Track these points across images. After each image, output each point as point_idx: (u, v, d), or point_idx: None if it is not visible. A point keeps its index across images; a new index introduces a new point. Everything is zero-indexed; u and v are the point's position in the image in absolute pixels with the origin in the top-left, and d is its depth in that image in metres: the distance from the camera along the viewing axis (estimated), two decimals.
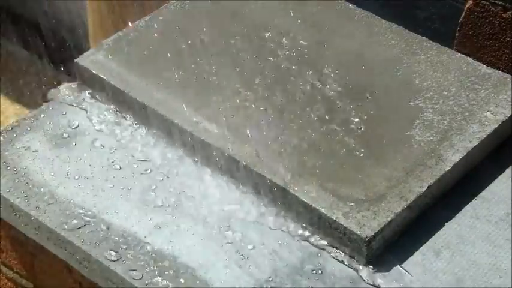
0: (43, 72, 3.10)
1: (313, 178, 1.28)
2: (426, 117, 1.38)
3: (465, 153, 1.33)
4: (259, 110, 1.38)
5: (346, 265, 1.24)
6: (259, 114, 1.37)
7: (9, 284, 1.51)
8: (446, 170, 1.30)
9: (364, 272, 1.23)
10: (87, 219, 1.29)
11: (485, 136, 1.35)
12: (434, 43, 1.51)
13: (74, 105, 1.46)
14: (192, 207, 1.31)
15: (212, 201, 1.32)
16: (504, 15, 1.49)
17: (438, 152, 1.32)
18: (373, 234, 1.22)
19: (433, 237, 1.28)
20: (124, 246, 1.25)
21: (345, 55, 1.48)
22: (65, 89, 1.50)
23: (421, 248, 1.26)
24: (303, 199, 1.26)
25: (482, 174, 1.36)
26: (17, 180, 1.34)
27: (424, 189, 1.28)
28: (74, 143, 1.39)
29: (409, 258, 1.25)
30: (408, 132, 1.35)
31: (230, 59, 1.46)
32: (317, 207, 1.25)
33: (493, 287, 1.22)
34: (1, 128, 1.42)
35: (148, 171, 1.36)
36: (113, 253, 1.25)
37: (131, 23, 1.54)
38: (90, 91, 1.47)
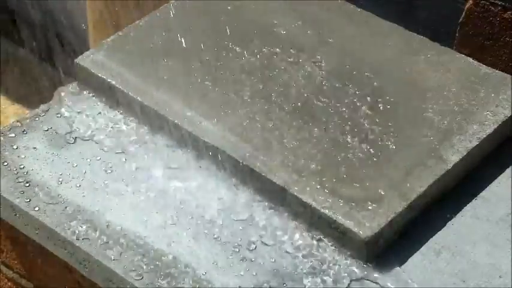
0: (43, 72, 3.10)
1: (313, 178, 1.28)
2: (426, 117, 1.38)
3: (465, 153, 1.33)
4: (259, 110, 1.38)
5: (346, 265, 1.24)
6: (260, 114, 1.37)
7: (9, 284, 1.51)
8: (446, 170, 1.30)
9: (364, 271, 1.23)
10: (87, 219, 1.29)
11: (485, 136, 1.35)
12: (434, 43, 1.51)
13: (74, 105, 1.46)
14: (192, 207, 1.31)
15: (212, 201, 1.32)
16: (504, 15, 1.49)
17: (438, 152, 1.32)
18: (373, 234, 1.22)
19: (433, 237, 1.28)
20: (124, 246, 1.25)
21: (345, 55, 1.48)
22: (65, 89, 1.50)
23: (421, 248, 1.26)
24: (303, 199, 1.26)
25: (482, 174, 1.36)
26: (17, 180, 1.34)
27: (424, 189, 1.28)
28: (74, 143, 1.39)
29: (409, 258, 1.25)
30: (408, 132, 1.35)
31: (230, 59, 1.46)
32: (317, 207, 1.25)
33: (493, 287, 1.22)
34: (1, 128, 1.42)
35: (148, 170, 1.35)
36: (113, 253, 1.25)
37: (131, 23, 1.54)
38: (90, 91, 1.47)
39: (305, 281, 1.22)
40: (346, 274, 1.23)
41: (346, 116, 1.37)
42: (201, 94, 1.40)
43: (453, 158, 1.32)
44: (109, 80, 1.42)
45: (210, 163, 1.35)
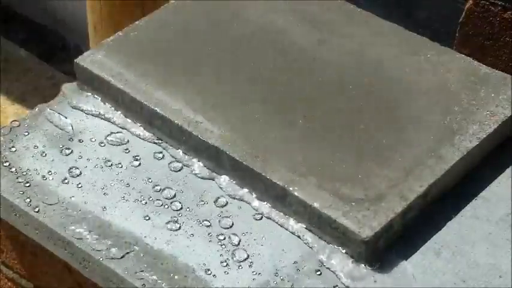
0: (43, 72, 3.10)
1: (313, 177, 1.28)
2: (426, 117, 1.38)
3: (465, 153, 1.33)
4: (259, 110, 1.38)
5: (345, 265, 1.24)
6: (260, 114, 1.37)
7: (9, 284, 1.51)
8: (446, 170, 1.30)
9: (364, 271, 1.23)
10: (87, 219, 1.29)
11: (485, 136, 1.35)
12: (434, 43, 1.51)
13: (74, 105, 1.46)
14: (192, 206, 1.31)
15: (212, 201, 1.32)
16: (504, 15, 1.49)
17: (438, 152, 1.32)
18: (373, 234, 1.22)
19: (433, 237, 1.28)
20: (124, 246, 1.25)
21: (344, 55, 1.48)
22: (65, 89, 1.50)
23: (421, 248, 1.26)
24: (303, 198, 1.26)
25: (482, 174, 1.36)
26: (17, 180, 1.34)
27: (424, 189, 1.28)
28: (74, 143, 1.39)
29: (409, 258, 1.25)
30: (408, 132, 1.35)
31: (230, 58, 1.46)
32: (317, 207, 1.25)
33: (493, 287, 1.22)
34: (1, 128, 1.42)
35: (148, 171, 1.36)
36: (113, 253, 1.25)
37: (131, 23, 1.54)
38: (90, 91, 1.47)
39: (305, 281, 1.22)
40: (346, 274, 1.23)
41: (346, 116, 1.37)
42: (201, 94, 1.40)
43: (453, 158, 1.32)
44: (109, 80, 1.42)
45: (208, 162, 1.35)
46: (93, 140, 1.40)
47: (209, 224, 1.29)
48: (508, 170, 1.37)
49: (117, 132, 1.41)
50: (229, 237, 1.27)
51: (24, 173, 1.35)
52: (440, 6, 1.59)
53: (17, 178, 1.34)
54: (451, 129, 1.36)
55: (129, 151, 1.39)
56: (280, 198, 1.28)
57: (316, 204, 1.25)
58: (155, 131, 1.40)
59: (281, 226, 1.29)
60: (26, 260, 1.44)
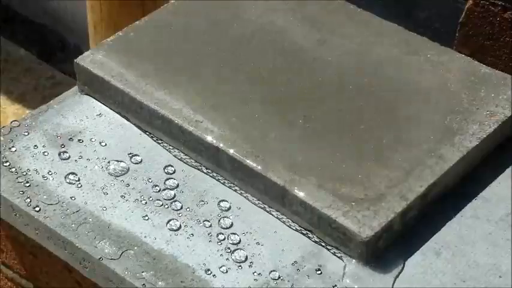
0: (43, 72, 3.10)
1: (313, 177, 1.28)
2: (426, 117, 1.38)
3: (465, 153, 1.33)
4: (259, 110, 1.38)
5: (346, 265, 1.24)
6: (260, 113, 1.37)
7: (9, 284, 1.51)
8: (446, 170, 1.30)
9: (364, 271, 1.23)
10: (87, 219, 1.29)
11: (485, 136, 1.35)
12: (434, 43, 1.51)
13: (74, 105, 1.46)
14: (192, 206, 1.31)
15: (212, 201, 1.32)
16: (504, 15, 1.49)
17: (438, 152, 1.32)
18: (373, 234, 1.22)
19: (433, 237, 1.28)
20: (124, 246, 1.25)
21: (344, 55, 1.48)
22: (65, 89, 1.49)
23: (421, 248, 1.26)
24: (303, 198, 1.26)
25: (482, 174, 1.36)
26: (17, 180, 1.34)
27: (424, 189, 1.28)
28: (74, 143, 1.39)
29: (409, 258, 1.25)
30: (408, 132, 1.35)
31: (230, 58, 1.46)
32: (317, 207, 1.25)
33: (493, 287, 1.22)
34: (1, 128, 1.42)
35: (148, 171, 1.36)
36: (113, 253, 1.25)
37: (131, 23, 1.54)
38: (90, 91, 1.47)
39: (305, 281, 1.22)
40: (346, 274, 1.23)
41: (346, 116, 1.37)
42: (201, 94, 1.40)
43: (453, 158, 1.32)
44: (109, 80, 1.42)
45: (208, 161, 1.35)
46: (93, 140, 1.40)
47: (209, 224, 1.29)
48: (508, 170, 1.37)
49: (117, 132, 1.41)
50: (229, 237, 1.27)
51: (24, 173, 1.35)
52: (440, 6, 1.59)
53: (17, 178, 1.34)
54: (451, 129, 1.36)
55: (128, 151, 1.38)
56: (280, 198, 1.28)
57: (316, 204, 1.25)
58: (155, 131, 1.40)
59: (281, 226, 1.29)
60: (26, 260, 1.44)
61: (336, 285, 1.22)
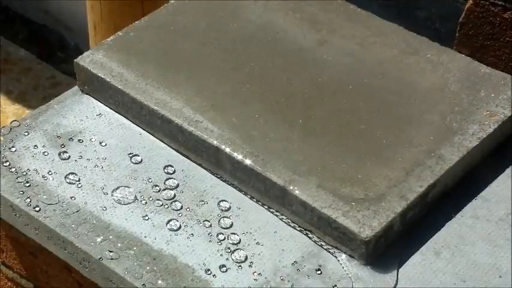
0: (43, 72, 3.10)
1: (313, 177, 1.28)
2: (426, 117, 1.38)
3: (465, 153, 1.33)
4: (259, 110, 1.38)
5: (346, 265, 1.24)
6: (260, 113, 1.37)
7: (9, 284, 1.51)
8: (446, 170, 1.30)
9: (364, 271, 1.23)
10: (87, 219, 1.29)
11: (485, 136, 1.35)
12: (434, 43, 1.51)
13: (74, 105, 1.46)
14: (192, 206, 1.31)
15: (212, 201, 1.32)
16: (504, 15, 1.49)
17: (438, 152, 1.32)
18: (373, 234, 1.22)
19: (433, 237, 1.28)
20: (124, 246, 1.25)
21: (344, 55, 1.48)
22: (65, 89, 1.49)
23: (421, 248, 1.26)
24: (303, 198, 1.26)
25: (482, 174, 1.36)
26: (17, 180, 1.34)
27: (424, 189, 1.28)
28: (74, 143, 1.39)
29: (409, 258, 1.25)
30: (408, 132, 1.35)
31: (230, 58, 1.46)
32: (317, 207, 1.25)
33: (493, 287, 1.22)
34: (1, 128, 1.42)
35: (148, 171, 1.36)
36: (113, 253, 1.25)
37: (131, 23, 1.54)
38: (90, 91, 1.47)
39: (305, 281, 1.22)
40: (346, 274, 1.23)
41: (346, 116, 1.37)
42: (201, 94, 1.40)
43: (453, 158, 1.32)
44: (109, 80, 1.42)
45: (208, 161, 1.35)
46: (93, 140, 1.40)
47: (209, 224, 1.29)
48: (508, 170, 1.37)
49: (117, 132, 1.41)
50: (229, 237, 1.27)
51: (24, 173, 1.35)
52: (440, 6, 1.59)
53: (17, 178, 1.34)
54: (451, 129, 1.36)
55: (128, 151, 1.39)
56: (280, 198, 1.28)
57: (316, 204, 1.25)
58: (155, 131, 1.40)
59: (281, 226, 1.29)
60: (26, 260, 1.44)
61: (335, 285, 1.22)
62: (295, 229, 1.28)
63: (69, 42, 3.24)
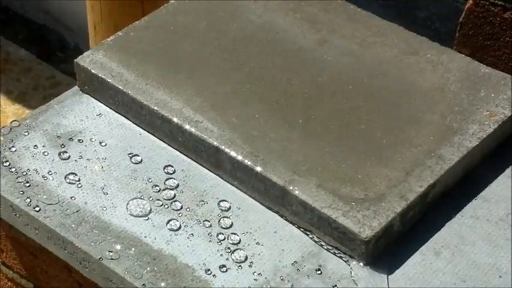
0: (43, 72, 3.10)
1: (313, 177, 1.28)
2: (426, 117, 1.38)
3: (465, 153, 1.33)
4: (259, 110, 1.38)
5: (346, 265, 1.24)
6: (260, 113, 1.37)
7: (9, 284, 1.51)
8: (446, 170, 1.30)
9: (364, 271, 1.23)
10: (87, 219, 1.29)
11: (485, 136, 1.35)
12: (434, 43, 1.51)
13: (74, 105, 1.46)
14: (192, 206, 1.31)
15: (212, 201, 1.32)
16: (504, 15, 1.49)
17: (438, 152, 1.32)
18: (373, 234, 1.22)
19: (433, 237, 1.28)
20: (124, 246, 1.25)
21: (344, 55, 1.48)
22: (65, 89, 1.49)
23: (421, 248, 1.26)
24: (303, 198, 1.26)
25: (482, 174, 1.36)
26: (17, 180, 1.34)
27: (424, 189, 1.28)
28: (74, 143, 1.39)
29: (409, 258, 1.25)
30: (408, 132, 1.35)
31: (230, 58, 1.46)
32: (317, 207, 1.25)
33: (493, 287, 1.22)
34: (1, 128, 1.42)
35: (148, 171, 1.36)
36: (113, 253, 1.25)
37: (131, 23, 1.54)
38: (90, 91, 1.47)
39: (305, 281, 1.22)
40: (346, 274, 1.23)
41: (346, 116, 1.37)
42: (201, 94, 1.40)
43: (453, 158, 1.32)
44: (109, 80, 1.42)
45: (208, 162, 1.35)
46: (93, 140, 1.40)
47: (209, 224, 1.29)
48: (508, 170, 1.37)
49: (117, 132, 1.41)
50: (229, 237, 1.27)
51: (24, 173, 1.35)
52: (440, 6, 1.59)
53: (17, 178, 1.34)
54: (451, 129, 1.36)
55: (128, 151, 1.39)
56: (280, 198, 1.28)
57: (316, 204, 1.25)
58: (155, 131, 1.40)
59: (281, 226, 1.29)
60: (26, 260, 1.44)
61: (336, 285, 1.22)
62: (295, 229, 1.28)
63: (69, 42, 3.24)
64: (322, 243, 1.26)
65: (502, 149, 1.40)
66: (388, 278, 1.22)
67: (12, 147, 1.39)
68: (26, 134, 1.41)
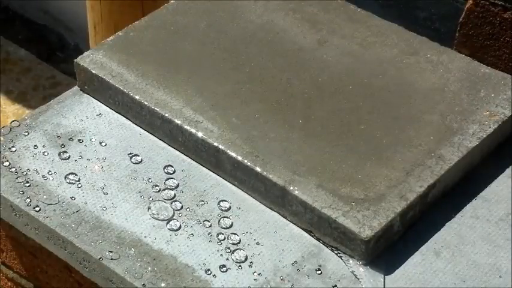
0: (43, 72, 3.10)
1: (313, 178, 1.28)
2: (426, 117, 1.38)
3: (465, 153, 1.33)
4: (259, 110, 1.38)
5: (346, 265, 1.24)
6: (260, 113, 1.37)
7: (9, 284, 1.51)
8: (446, 170, 1.30)
9: (364, 271, 1.23)
10: (87, 219, 1.29)
11: (485, 136, 1.35)
12: (434, 43, 1.51)
13: (74, 105, 1.46)
14: (192, 206, 1.31)
15: (212, 201, 1.32)
16: (504, 15, 1.49)
17: (438, 152, 1.32)
18: (373, 234, 1.22)
19: (433, 237, 1.28)
20: (124, 246, 1.25)
21: (344, 55, 1.48)
22: (65, 89, 1.49)
23: (421, 248, 1.26)
24: (303, 198, 1.26)
25: (482, 174, 1.36)
26: (17, 180, 1.34)
27: (424, 189, 1.28)
28: (74, 143, 1.39)
29: (409, 258, 1.25)
30: (408, 132, 1.35)
31: (230, 58, 1.46)
32: (317, 207, 1.25)
33: (493, 287, 1.22)
34: (1, 128, 1.42)
35: (148, 171, 1.36)
36: (113, 253, 1.25)
37: (131, 23, 1.54)
38: (90, 91, 1.47)
39: (305, 281, 1.22)
40: (346, 274, 1.23)
41: (346, 116, 1.37)
42: (201, 94, 1.40)
43: (453, 158, 1.32)
44: (109, 80, 1.42)
45: (208, 162, 1.35)
46: (93, 140, 1.40)
47: (209, 224, 1.29)
48: (508, 170, 1.37)
49: (117, 132, 1.41)
50: (229, 237, 1.27)
51: (24, 173, 1.35)
52: (440, 6, 1.59)
53: (17, 178, 1.34)
54: (451, 129, 1.36)
55: (128, 151, 1.38)
56: (280, 198, 1.28)
57: (316, 204, 1.25)
58: (155, 131, 1.40)
59: (281, 226, 1.29)
60: (26, 260, 1.44)
61: (336, 285, 1.22)
62: (296, 229, 1.28)
63: (69, 42, 3.24)
64: (322, 243, 1.26)
65: (502, 149, 1.40)
66: (387, 278, 1.22)
67: (12, 147, 1.39)
68: (26, 134, 1.41)
